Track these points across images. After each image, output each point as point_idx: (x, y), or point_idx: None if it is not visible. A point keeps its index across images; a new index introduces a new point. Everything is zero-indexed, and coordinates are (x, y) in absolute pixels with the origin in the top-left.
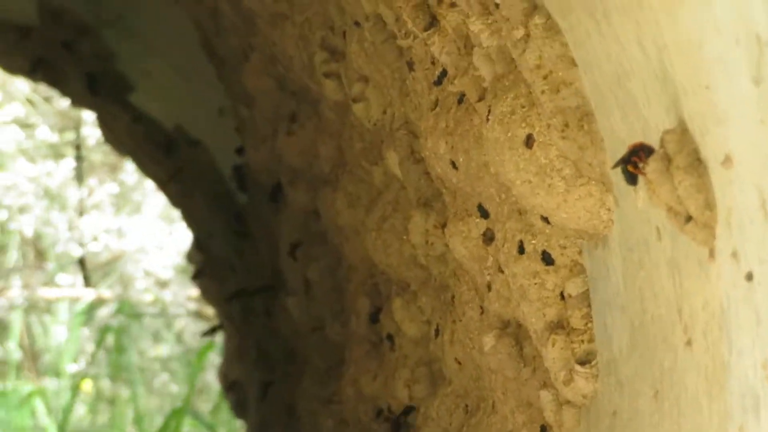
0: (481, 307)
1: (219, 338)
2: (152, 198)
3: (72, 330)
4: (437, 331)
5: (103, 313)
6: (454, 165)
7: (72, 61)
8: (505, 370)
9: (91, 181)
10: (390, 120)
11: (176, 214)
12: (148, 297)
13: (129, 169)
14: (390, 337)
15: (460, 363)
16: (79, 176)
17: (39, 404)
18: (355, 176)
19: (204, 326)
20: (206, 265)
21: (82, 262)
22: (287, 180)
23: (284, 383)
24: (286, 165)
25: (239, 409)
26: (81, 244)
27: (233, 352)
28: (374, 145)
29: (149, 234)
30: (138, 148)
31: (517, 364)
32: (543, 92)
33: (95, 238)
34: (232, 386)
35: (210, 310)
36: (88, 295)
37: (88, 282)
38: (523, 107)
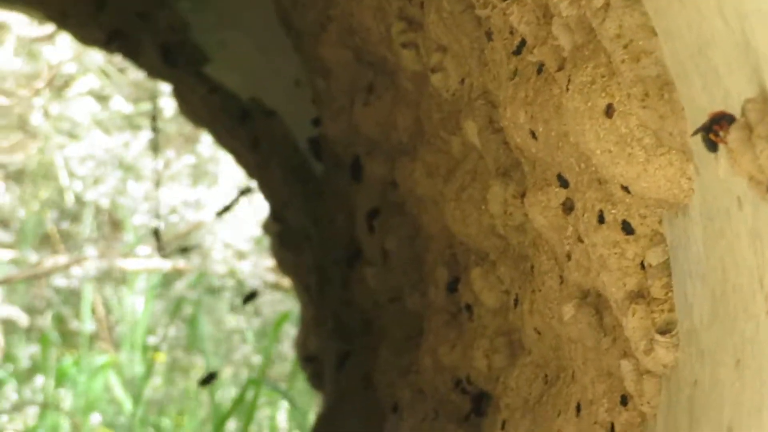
0: (561, 277)
1: (296, 309)
2: (228, 170)
3: (148, 302)
4: (516, 301)
5: (180, 285)
6: (533, 135)
7: (147, 32)
8: (584, 339)
9: (168, 153)
10: (468, 90)
11: (253, 186)
12: (225, 269)
13: (205, 140)
14: (468, 307)
15: (539, 333)
16: (155, 147)
17: (113, 375)
18: (434, 146)
19: (281, 298)
20: (282, 235)
21: (158, 234)
22: (364, 151)
23: (361, 354)
24: (363, 136)
25: (316, 379)
26: (158, 216)
27: (310, 323)
28: (452, 115)
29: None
30: (214, 119)
31: (596, 333)
32: (623, 61)
33: (173, 210)
34: (308, 357)
35: (287, 282)
36: (165, 266)
37: (164, 253)
38: (603, 77)
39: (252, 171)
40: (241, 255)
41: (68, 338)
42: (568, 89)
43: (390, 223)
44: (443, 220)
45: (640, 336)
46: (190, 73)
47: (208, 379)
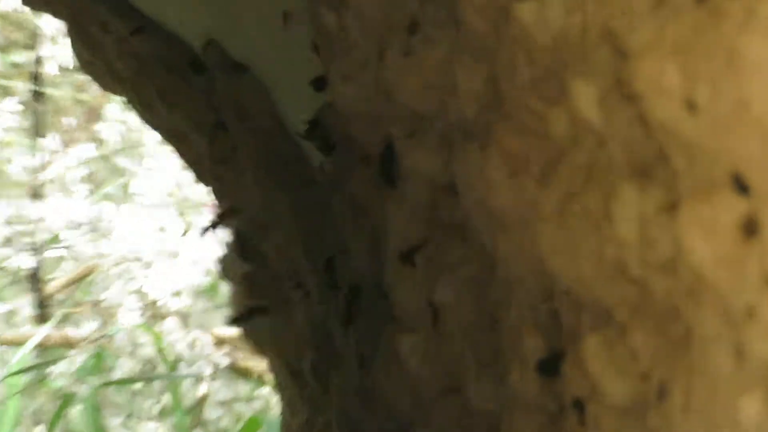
0: (738, 350)
1: (273, 412)
2: (163, 165)
3: (11, 399)
4: (662, 392)
5: (68, 368)
6: (690, 105)
7: None
8: None
9: (52, 138)
10: (580, 30)
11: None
12: (143, 339)
13: (116, 115)
14: (578, 404)
15: None
16: (35, 129)
17: None
18: (520, 125)
19: (245, 392)
20: (254, 280)
21: (36, 280)
22: (402, 133)
23: None
24: (400, 107)
25: None
26: (35, 249)
27: None
28: (553, 73)
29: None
30: (139, 78)
31: None
32: None
33: (55, 239)
34: None
35: (257, 365)
36: (44, 336)
37: (44, 313)
38: None
39: (204, 169)
40: (163, 316)
41: None
42: (750, 25)
43: (443, 258)
44: (536, 252)
45: None
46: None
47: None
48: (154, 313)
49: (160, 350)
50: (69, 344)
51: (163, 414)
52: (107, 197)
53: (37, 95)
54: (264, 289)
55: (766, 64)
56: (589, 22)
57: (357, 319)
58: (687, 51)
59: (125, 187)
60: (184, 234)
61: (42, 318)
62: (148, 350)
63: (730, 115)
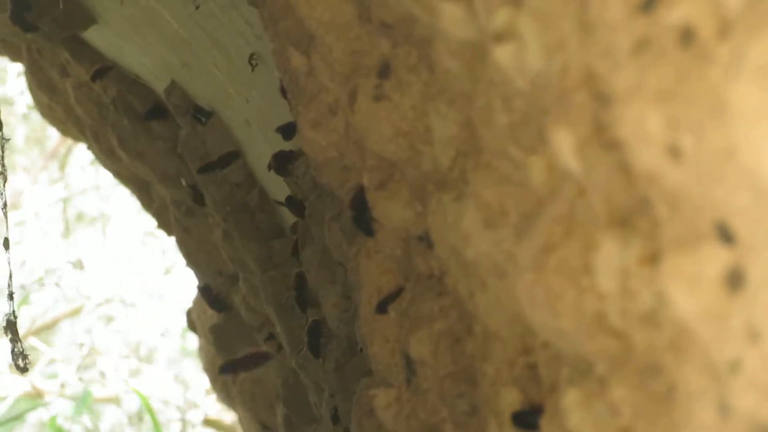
0: (722, 405)
1: None
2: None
3: None
4: None
5: (41, 416)
6: (674, 153)
7: None
8: None
9: (18, 178)
10: (560, 72)
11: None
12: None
13: (82, 157)
14: None
15: None
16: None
17: None
18: (497, 174)
19: None
20: (223, 331)
21: (13, 329)
22: (374, 182)
23: None
24: (371, 155)
25: None
26: (10, 296)
27: None
28: (531, 118)
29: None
30: (100, 123)
31: None
32: None
33: (26, 287)
34: None
35: (232, 418)
36: (20, 388)
37: (24, 364)
38: None
39: (168, 218)
40: (134, 372)
41: None
42: (738, 70)
43: (418, 311)
44: (514, 304)
45: None
46: (58, 40)
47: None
48: (138, 357)
49: (147, 408)
50: (40, 395)
51: None
52: (83, 238)
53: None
54: (233, 341)
55: (753, 111)
56: (570, 64)
57: (324, 353)
58: (671, 96)
59: (102, 227)
60: (166, 273)
61: (24, 368)
62: (134, 404)
63: (715, 163)
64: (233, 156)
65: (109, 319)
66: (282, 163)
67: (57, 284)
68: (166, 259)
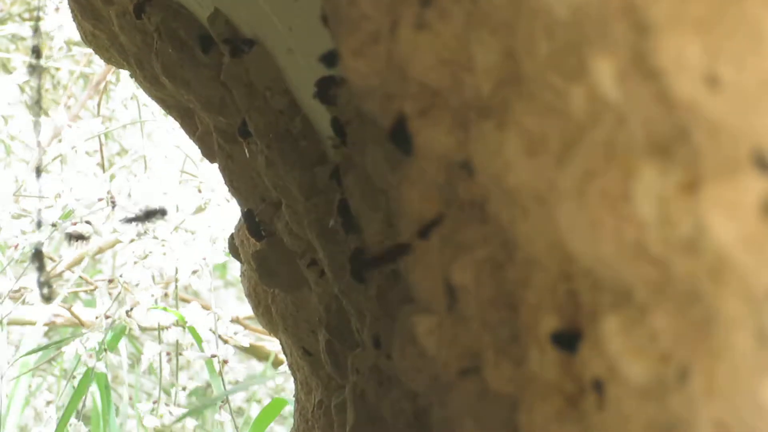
0: (760, 332)
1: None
2: (170, 139)
3: (15, 386)
4: (682, 374)
5: (77, 351)
6: (713, 82)
7: None
8: None
9: (56, 112)
10: (600, 3)
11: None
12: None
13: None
14: (598, 385)
15: (723, 428)
16: (36, 102)
17: None
18: (539, 102)
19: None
20: (266, 258)
21: (39, 258)
22: (416, 110)
23: None
24: (413, 83)
25: None
26: (39, 225)
27: (312, 419)
28: (572, 47)
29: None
30: (142, 49)
31: None
32: None
33: (67, 214)
34: None
35: (272, 344)
36: (50, 316)
37: (49, 294)
38: None
39: (212, 146)
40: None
41: None
42: None
43: (460, 238)
44: (555, 232)
45: None
46: None
47: None
48: (168, 294)
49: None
50: (81, 324)
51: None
52: (119, 173)
53: (38, 69)
54: (275, 269)
55: None
56: None
57: (367, 280)
58: (709, 26)
59: (137, 163)
60: (202, 210)
61: (49, 297)
62: (172, 333)
63: (753, 92)
64: None
65: (144, 255)
66: (325, 89)
67: (87, 221)
68: (200, 197)
